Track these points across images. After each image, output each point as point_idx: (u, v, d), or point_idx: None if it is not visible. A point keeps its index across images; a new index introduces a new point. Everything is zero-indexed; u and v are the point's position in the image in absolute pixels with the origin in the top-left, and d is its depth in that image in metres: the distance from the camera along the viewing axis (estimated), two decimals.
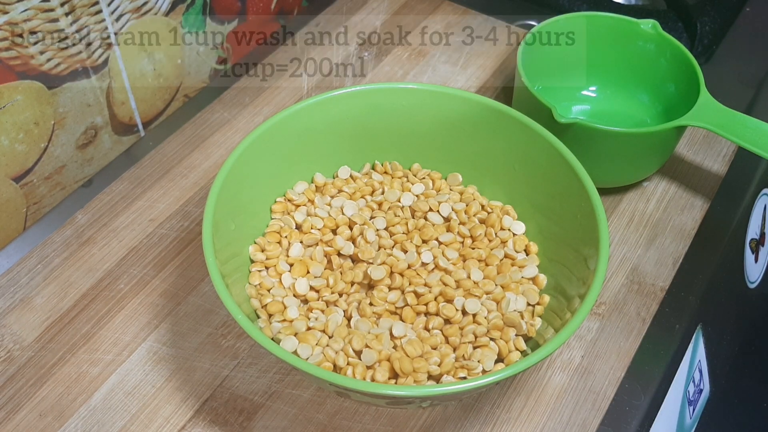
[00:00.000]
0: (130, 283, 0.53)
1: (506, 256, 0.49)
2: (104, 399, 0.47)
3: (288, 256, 0.48)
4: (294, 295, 0.47)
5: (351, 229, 0.50)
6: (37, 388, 0.48)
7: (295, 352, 0.43)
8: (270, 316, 0.46)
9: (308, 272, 0.48)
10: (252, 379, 0.48)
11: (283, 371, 0.48)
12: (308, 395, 0.47)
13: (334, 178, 0.54)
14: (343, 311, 0.46)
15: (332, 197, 0.52)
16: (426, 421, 0.47)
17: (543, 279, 0.48)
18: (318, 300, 0.47)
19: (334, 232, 0.50)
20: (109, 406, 0.47)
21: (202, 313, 0.51)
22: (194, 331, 0.50)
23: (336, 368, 0.43)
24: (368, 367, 0.43)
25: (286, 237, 0.49)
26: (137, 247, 0.55)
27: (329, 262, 0.48)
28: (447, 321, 0.46)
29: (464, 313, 0.46)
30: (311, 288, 0.47)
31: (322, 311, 0.46)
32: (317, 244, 0.49)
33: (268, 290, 0.47)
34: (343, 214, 0.50)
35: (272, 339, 0.44)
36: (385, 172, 0.54)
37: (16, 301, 0.52)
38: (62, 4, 0.51)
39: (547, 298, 0.47)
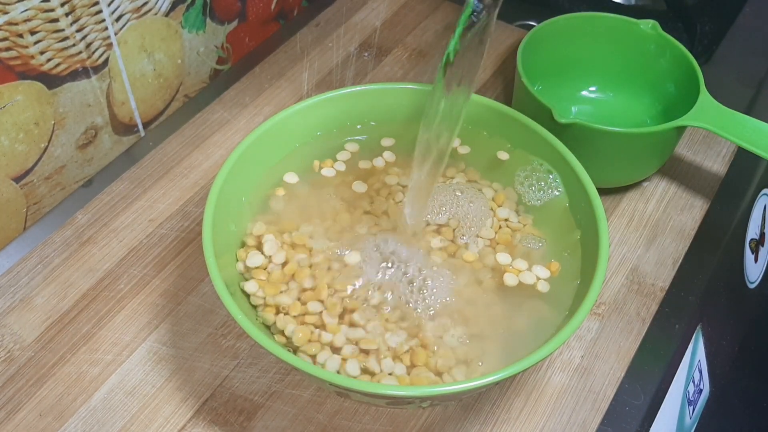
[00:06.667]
0: (130, 283, 0.53)
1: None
2: (104, 399, 0.47)
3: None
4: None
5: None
6: (37, 388, 0.48)
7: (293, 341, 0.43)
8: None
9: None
10: (252, 379, 0.48)
11: (283, 371, 0.48)
12: (308, 395, 0.47)
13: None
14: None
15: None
16: (426, 421, 0.47)
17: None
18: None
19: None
20: (109, 406, 0.47)
21: (202, 313, 0.51)
22: (194, 331, 0.50)
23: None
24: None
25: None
26: (137, 247, 0.55)
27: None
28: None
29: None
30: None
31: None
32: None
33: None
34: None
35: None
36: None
37: (16, 301, 0.52)
38: (62, 4, 0.51)
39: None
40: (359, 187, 0.51)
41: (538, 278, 0.46)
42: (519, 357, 0.39)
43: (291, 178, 0.51)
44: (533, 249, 0.48)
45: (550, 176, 0.49)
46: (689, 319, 0.52)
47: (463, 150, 0.53)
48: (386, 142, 0.53)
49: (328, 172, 0.52)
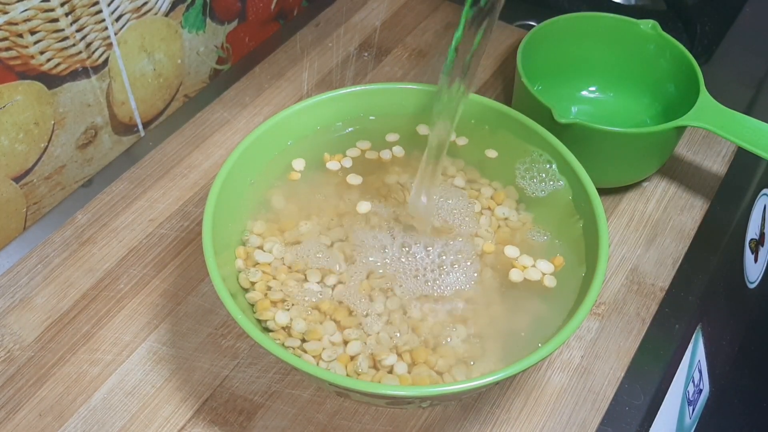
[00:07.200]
0: (130, 283, 0.53)
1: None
2: (104, 399, 0.47)
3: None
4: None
5: None
6: (37, 388, 0.48)
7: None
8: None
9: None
10: (252, 379, 0.48)
11: (283, 371, 0.48)
12: (308, 395, 0.47)
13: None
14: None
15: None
16: (426, 421, 0.47)
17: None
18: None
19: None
20: (109, 406, 0.47)
21: (202, 313, 0.51)
22: (194, 331, 0.50)
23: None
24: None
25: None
26: (137, 247, 0.55)
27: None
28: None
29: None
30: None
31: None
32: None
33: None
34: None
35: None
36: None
37: (16, 301, 0.52)
38: (62, 4, 0.51)
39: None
40: (357, 180, 0.51)
41: (544, 274, 0.46)
42: (519, 357, 0.39)
43: (298, 167, 0.51)
44: (537, 242, 0.48)
45: (548, 166, 0.49)
46: (689, 319, 0.52)
47: (461, 141, 0.53)
48: (390, 137, 0.53)
49: (333, 165, 0.52)
